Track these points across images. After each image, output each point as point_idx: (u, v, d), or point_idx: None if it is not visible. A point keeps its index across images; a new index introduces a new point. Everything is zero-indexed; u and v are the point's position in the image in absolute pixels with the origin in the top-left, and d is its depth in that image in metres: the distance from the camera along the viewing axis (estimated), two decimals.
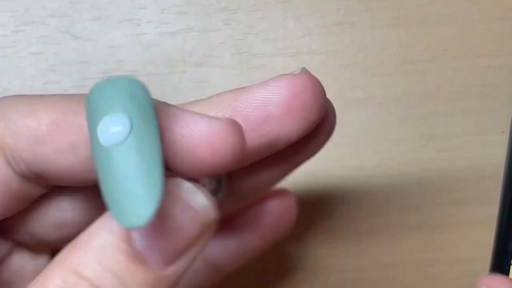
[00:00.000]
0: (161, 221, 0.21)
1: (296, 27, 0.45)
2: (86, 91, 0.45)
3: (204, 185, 0.25)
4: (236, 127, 0.23)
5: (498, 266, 0.27)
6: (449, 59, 0.45)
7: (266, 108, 0.25)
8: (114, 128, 0.22)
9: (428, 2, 0.45)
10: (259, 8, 0.45)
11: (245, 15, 0.45)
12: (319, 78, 0.25)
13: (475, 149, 0.44)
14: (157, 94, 0.46)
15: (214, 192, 0.26)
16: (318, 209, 0.44)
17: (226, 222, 0.28)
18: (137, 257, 0.21)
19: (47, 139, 0.24)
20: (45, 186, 0.26)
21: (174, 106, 0.25)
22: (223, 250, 0.28)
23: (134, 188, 0.22)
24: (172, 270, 0.21)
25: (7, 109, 0.24)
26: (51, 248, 0.29)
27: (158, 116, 0.23)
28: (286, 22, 0.45)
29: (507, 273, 0.27)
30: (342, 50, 0.45)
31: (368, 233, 0.44)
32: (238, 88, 0.26)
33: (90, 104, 0.24)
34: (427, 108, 0.44)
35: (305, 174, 0.43)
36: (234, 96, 0.26)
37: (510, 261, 0.25)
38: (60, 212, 0.27)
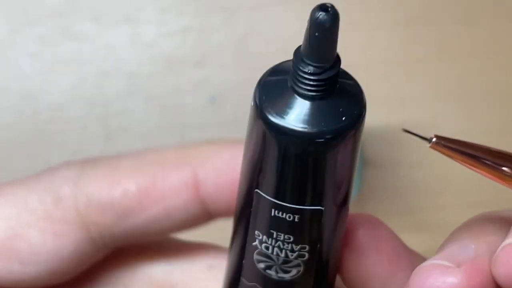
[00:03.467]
0: None
1: (296, 26, 0.45)
2: (84, 91, 0.45)
3: None
4: None
5: None
6: (451, 58, 0.45)
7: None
8: None
9: (430, 2, 0.45)
10: (259, 8, 0.45)
11: (245, 15, 0.45)
12: None
13: None
14: (155, 94, 0.46)
15: None
16: None
17: None
18: None
19: (138, 209, 0.22)
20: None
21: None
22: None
23: None
24: None
25: (85, 183, 0.23)
26: None
27: None
28: (287, 22, 0.45)
29: None
30: (343, 50, 0.44)
31: None
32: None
33: None
34: (429, 108, 0.44)
35: None
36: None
37: None
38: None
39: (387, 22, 0.45)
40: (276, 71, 0.19)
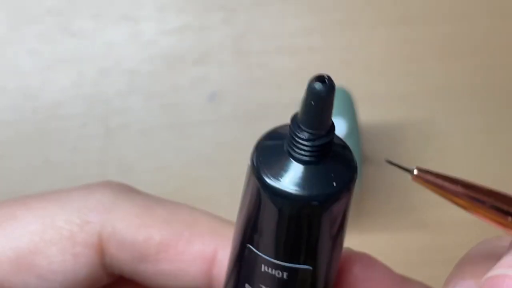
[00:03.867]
0: None
1: (296, 24, 0.45)
2: (83, 89, 0.45)
3: None
4: None
5: None
6: (451, 57, 0.45)
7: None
8: None
9: (430, 1, 0.45)
10: (258, 6, 0.45)
11: (244, 13, 0.45)
12: None
13: (476, 149, 0.44)
14: (155, 92, 0.45)
15: None
16: None
17: None
18: None
19: (153, 259, 0.23)
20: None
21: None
22: None
23: None
24: None
25: (115, 215, 0.23)
26: None
27: None
28: (286, 20, 0.45)
29: None
30: (342, 48, 0.44)
31: (369, 233, 0.43)
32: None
33: None
34: (427, 106, 0.44)
35: None
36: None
37: None
38: None
39: (386, 20, 0.45)
40: (274, 134, 0.20)
